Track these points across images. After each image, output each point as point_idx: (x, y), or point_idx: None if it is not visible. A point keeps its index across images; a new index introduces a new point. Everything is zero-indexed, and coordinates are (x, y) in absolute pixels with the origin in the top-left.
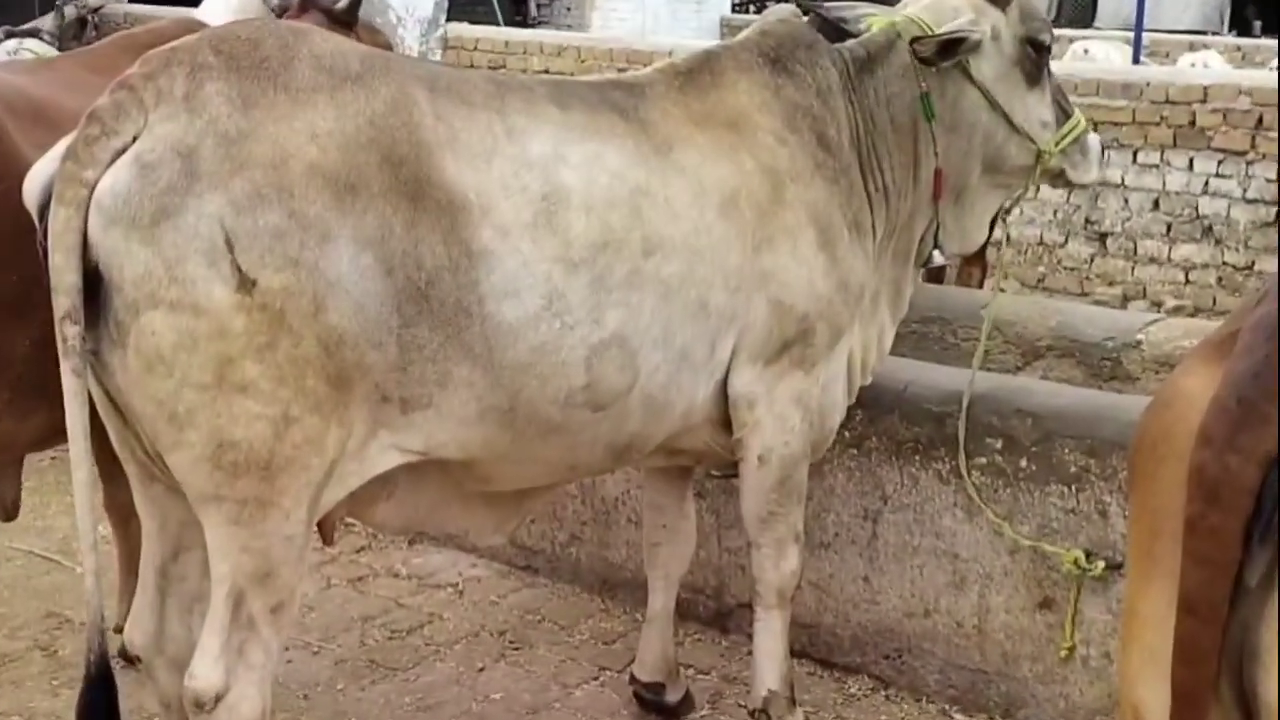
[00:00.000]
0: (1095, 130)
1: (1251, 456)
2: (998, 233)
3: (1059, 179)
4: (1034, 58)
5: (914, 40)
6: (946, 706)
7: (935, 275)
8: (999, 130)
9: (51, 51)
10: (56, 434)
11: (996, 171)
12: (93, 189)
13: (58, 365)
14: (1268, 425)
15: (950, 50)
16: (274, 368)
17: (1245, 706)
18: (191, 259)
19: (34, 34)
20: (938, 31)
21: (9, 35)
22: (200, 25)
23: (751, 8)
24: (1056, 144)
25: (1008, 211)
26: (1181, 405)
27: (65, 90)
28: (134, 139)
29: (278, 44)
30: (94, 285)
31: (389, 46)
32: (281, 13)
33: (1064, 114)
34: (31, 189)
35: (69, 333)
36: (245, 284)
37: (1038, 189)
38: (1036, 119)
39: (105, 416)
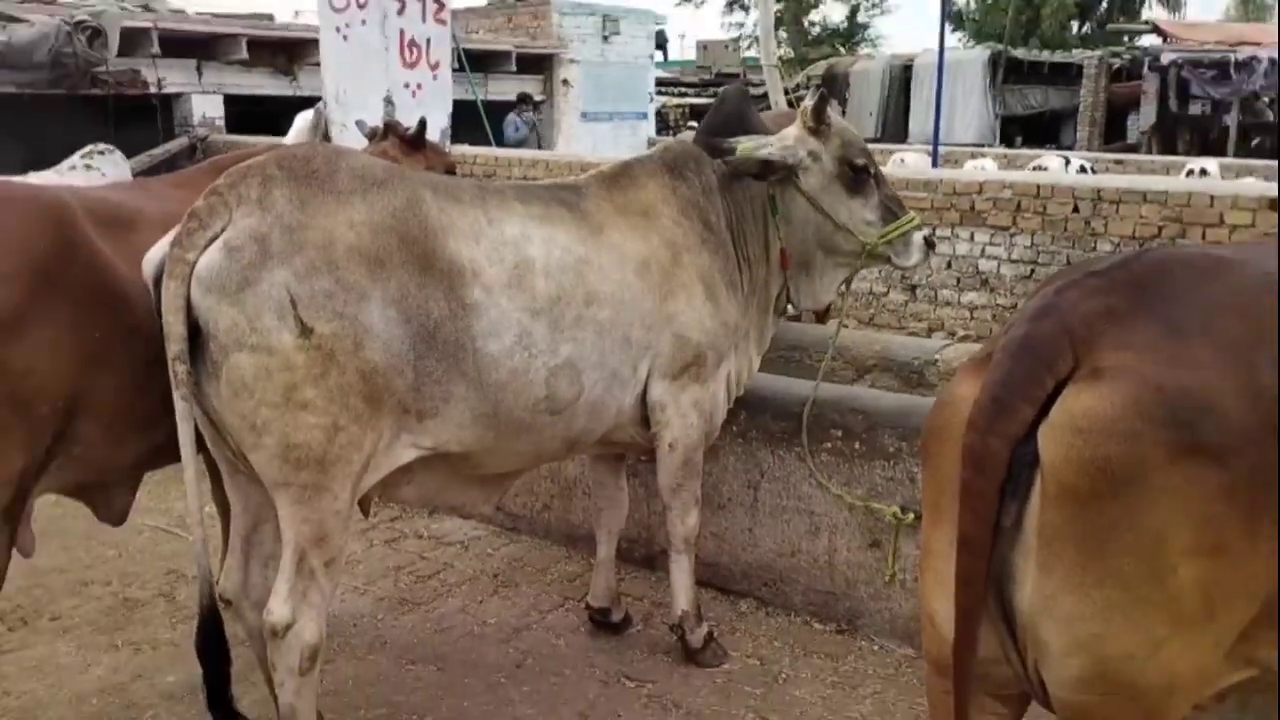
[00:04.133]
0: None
1: (1004, 438)
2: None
3: (887, 261)
4: (852, 174)
5: (727, 159)
6: (808, 618)
7: (821, 317)
8: (826, 225)
9: (119, 160)
10: (155, 457)
11: (833, 253)
12: (194, 266)
13: (141, 404)
14: (1014, 416)
15: (769, 169)
16: (326, 391)
17: (1005, 614)
18: (266, 314)
19: (105, 151)
20: (755, 154)
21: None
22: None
23: (670, 132)
24: (882, 237)
25: (848, 281)
26: (956, 404)
27: (148, 200)
28: (222, 230)
29: (324, 160)
30: (195, 335)
31: (453, 163)
32: (371, 137)
33: (893, 215)
34: (147, 267)
35: (179, 370)
36: (305, 331)
37: (865, 267)
38: (860, 219)
39: (204, 429)
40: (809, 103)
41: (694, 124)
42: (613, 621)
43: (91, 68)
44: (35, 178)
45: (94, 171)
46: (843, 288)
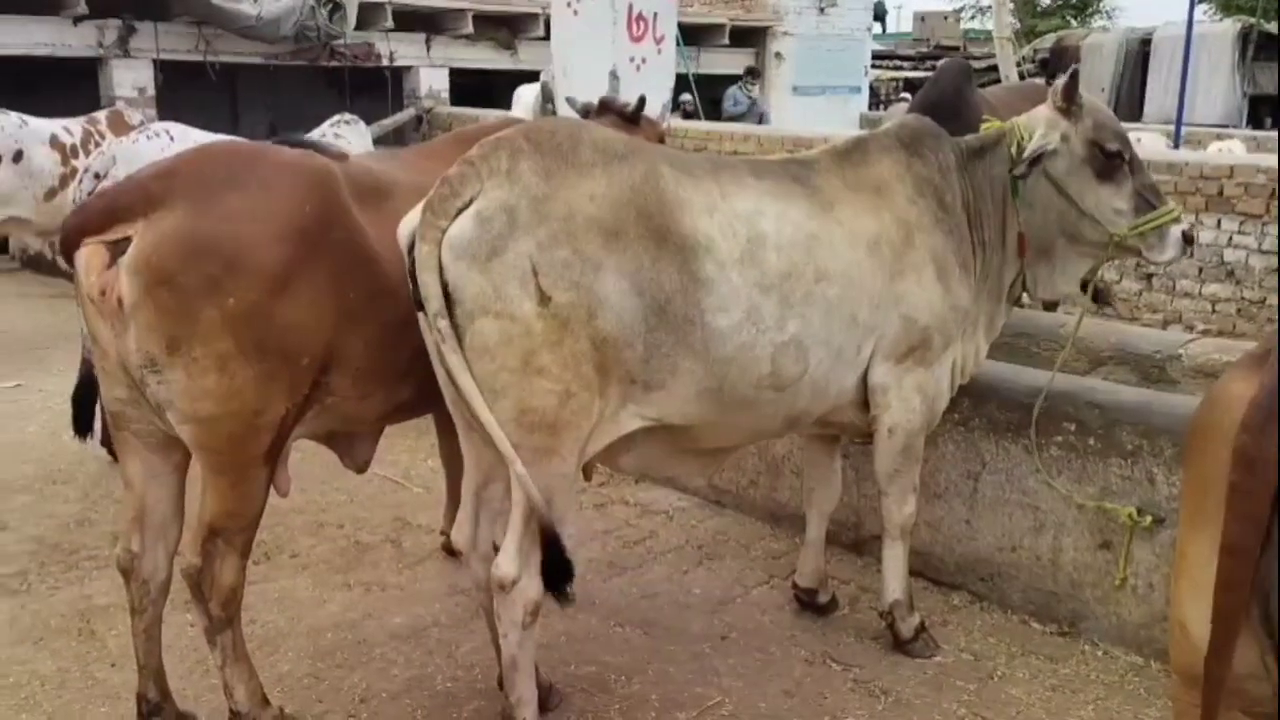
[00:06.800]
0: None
1: None
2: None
3: (1138, 255)
4: (1103, 158)
5: (1011, 169)
6: (1026, 617)
7: (1048, 305)
8: (1070, 212)
9: (363, 130)
10: (396, 412)
11: (1076, 242)
12: (445, 232)
13: (387, 361)
14: None
15: (1037, 162)
16: (560, 358)
17: (1268, 625)
18: (510, 282)
19: (350, 121)
20: (1029, 143)
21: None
22: (510, 122)
23: (881, 107)
24: (1133, 229)
25: (1093, 272)
26: (1228, 402)
27: (402, 170)
28: (473, 199)
29: (568, 134)
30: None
31: (663, 134)
32: (585, 114)
33: (1149, 205)
34: (403, 232)
35: (441, 325)
36: (544, 300)
37: (1113, 259)
38: (1109, 207)
39: (444, 388)
40: (1060, 81)
41: (906, 96)
42: (819, 603)
43: (331, 40)
44: None
45: (341, 140)
46: (1088, 278)
